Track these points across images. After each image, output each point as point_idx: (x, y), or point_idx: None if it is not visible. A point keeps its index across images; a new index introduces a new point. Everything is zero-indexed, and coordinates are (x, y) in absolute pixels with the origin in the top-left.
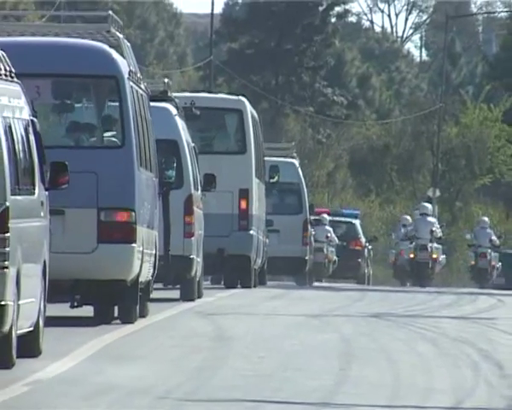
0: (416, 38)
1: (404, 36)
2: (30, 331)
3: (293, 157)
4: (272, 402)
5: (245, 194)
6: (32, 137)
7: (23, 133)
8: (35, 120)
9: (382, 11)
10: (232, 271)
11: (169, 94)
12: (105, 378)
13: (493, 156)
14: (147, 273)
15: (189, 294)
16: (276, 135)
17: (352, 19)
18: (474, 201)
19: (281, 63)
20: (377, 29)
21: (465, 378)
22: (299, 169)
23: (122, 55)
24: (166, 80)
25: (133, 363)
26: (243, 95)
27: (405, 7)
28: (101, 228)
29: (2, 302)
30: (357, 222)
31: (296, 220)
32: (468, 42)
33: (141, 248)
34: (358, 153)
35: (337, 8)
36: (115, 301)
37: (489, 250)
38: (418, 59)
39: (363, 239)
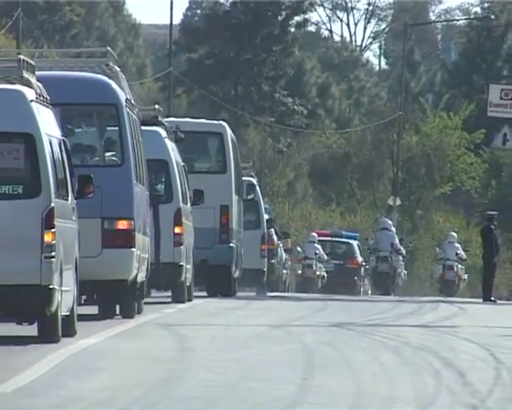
0: (375, 46)
1: (363, 45)
2: (67, 315)
3: (251, 176)
4: None
5: (225, 210)
6: (64, 153)
7: (58, 149)
8: (66, 139)
9: (341, 20)
10: (214, 280)
11: (159, 119)
12: (67, 391)
13: (453, 164)
14: (142, 275)
15: (179, 297)
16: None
17: (312, 28)
18: (434, 209)
19: (240, 73)
20: (336, 38)
21: (427, 387)
22: (257, 187)
23: (119, 85)
24: (157, 107)
25: (95, 375)
26: (224, 120)
27: (364, 16)
28: (104, 235)
29: (51, 286)
30: (354, 243)
31: (254, 235)
32: (428, 50)
33: (138, 252)
34: (319, 162)
35: (296, 18)
36: (117, 299)
37: (456, 263)
38: (377, 68)
39: (359, 259)
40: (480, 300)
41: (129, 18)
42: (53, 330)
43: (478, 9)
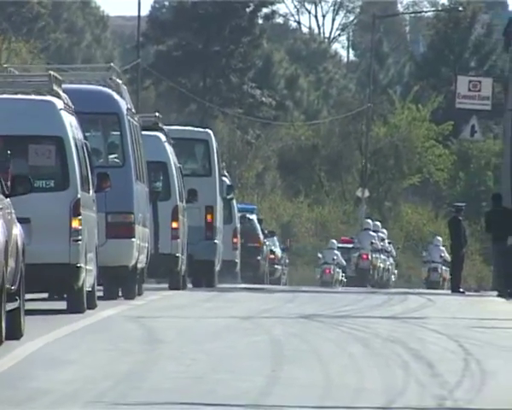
0: (344, 38)
1: (332, 36)
2: (89, 291)
3: (225, 176)
4: (204, 405)
5: (210, 210)
6: (86, 154)
7: (82, 150)
8: (87, 142)
9: (309, 12)
10: (199, 273)
11: (159, 125)
12: (36, 383)
13: (422, 156)
14: (142, 262)
15: (175, 285)
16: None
17: (280, 20)
18: (402, 200)
19: (208, 65)
20: (304, 30)
21: (396, 378)
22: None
23: (121, 96)
24: (157, 114)
25: (64, 367)
26: (209, 128)
27: (332, 8)
28: (108, 227)
29: (78, 264)
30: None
31: (227, 229)
32: (396, 42)
33: (138, 242)
34: (287, 154)
35: (264, 10)
36: (120, 282)
37: (440, 265)
38: (346, 59)
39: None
40: (449, 291)
41: (97, 10)
42: (79, 302)
43: (445, 1)
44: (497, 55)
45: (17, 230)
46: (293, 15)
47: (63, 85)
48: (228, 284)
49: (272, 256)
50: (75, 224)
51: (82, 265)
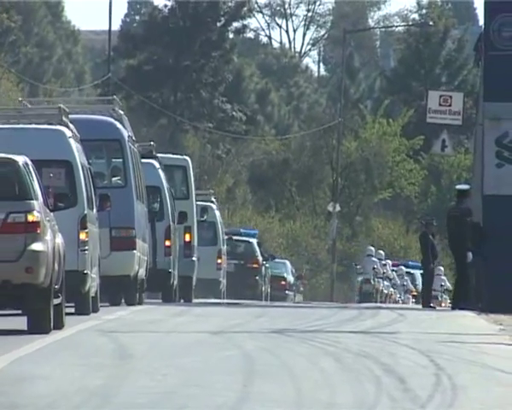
0: (315, 53)
1: (303, 51)
2: (93, 297)
3: (212, 201)
4: None
5: (189, 230)
6: (90, 177)
7: (87, 174)
8: (91, 167)
9: (280, 27)
10: (179, 288)
11: (153, 153)
12: (7, 398)
13: (393, 170)
14: (142, 273)
15: (168, 298)
16: (174, 151)
17: (250, 34)
18: (374, 215)
19: (179, 79)
20: (275, 45)
21: (367, 393)
22: (216, 211)
23: (123, 125)
24: (152, 143)
25: (34, 382)
26: (185, 156)
27: (303, 22)
28: (112, 241)
29: (85, 271)
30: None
31: (212, 250)
32: (366, 57)
33: (139, 254)
34: (258, 168)
35: (235, 24)
36: (122, 290)
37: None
38: (316, 74)
39: (260, 258)
40: (420, 306)
41: (68, 24)
42: (86, 305)
43: (416, 16)
44: (468, 70)
45: (60, 239)
46: (263, 30)
47: (73, 116)
48: (207, 300)
49: (283, 283)
50: (82, 236)
51: (88, 272)
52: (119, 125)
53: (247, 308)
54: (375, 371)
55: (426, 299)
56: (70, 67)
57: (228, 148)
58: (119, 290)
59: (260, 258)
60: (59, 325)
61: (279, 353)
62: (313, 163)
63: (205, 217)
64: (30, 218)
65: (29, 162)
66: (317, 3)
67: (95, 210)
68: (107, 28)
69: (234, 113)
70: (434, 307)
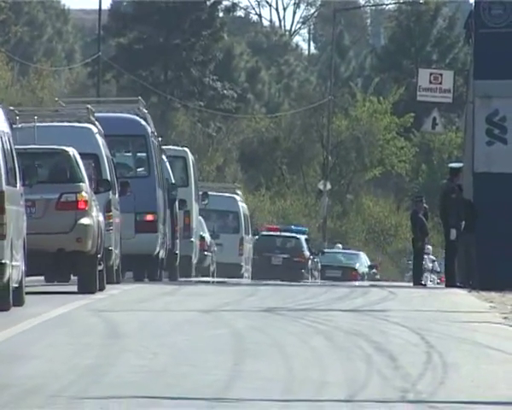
0: (305, 31)
1: (293, 29)
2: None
3: (236, 193)
4: (167, 398)
5: (187, 214)
6: (112, 166)
7: (111, 163)
8: (113, 158)
9: (270, 5)
10: (180, 267)
11: (161, 147)
12: None
13: (383, 148)
14: (163, 252)
15: (174, 277)
16: (165, 130)
17: (240, 13)
18: (364, 193)
19: (169, 58)
20: (265, 23)
21: (359, 371)
22: (239, 202)
23: (147, 122)
24: (160, 139)
25: (25, 362)
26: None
27: (293, 1)
28: (137, 224)
29: (110, 248)
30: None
31: (234, 238)
32: (357, 35)
33: (160, 236)
34: (248, 147)
35: (225, 3)
36: (146, 267)
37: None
38: (307, 52)
39: (306, 253)
40: (411, 284)
41: (57, 4)
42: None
43: None
44: (458, 47)
45: (101, 217)
46: (253, 8)
47: (103, 114)
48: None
49: (354, 273)
50: (107, 218)
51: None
52: (143, 122)
53: (237, 287)
54: (365, 350)
55: (416, 277)
56: (60, 47)
57: (218, 126)
58: (143, 268)
59: (307, 253)
60: (102, 287)
61: (270, 331)
62: (304, 141)
63: (206, 201)
64: (79, 197)
65: (76, 153)
66: None
67: (117, 195)
68: (97, 7)
69: (224, 91)
70: (425, 285)
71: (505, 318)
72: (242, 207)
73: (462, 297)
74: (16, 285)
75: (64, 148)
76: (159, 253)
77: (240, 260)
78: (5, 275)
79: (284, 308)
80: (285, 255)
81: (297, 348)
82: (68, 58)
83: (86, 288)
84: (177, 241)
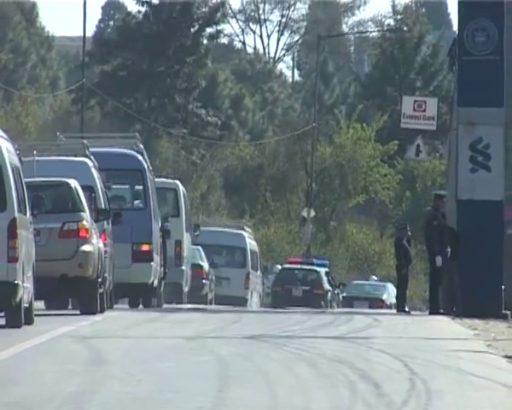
0: (289, 58)
1: (277, 56)
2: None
3: (244, 230)
4: None
5: (179, 243)
6: (107, 198)
7: (105, 195)
8: (107, 191)
9: (254, 32)
10: (169, 294)
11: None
12: None
13: (367, 175)
14: (157, 281)
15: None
16: (149, 157)
17: (224, 40)
18: (348, 220)
19: (153, 85)
20: (249, 50)
21: (343, 398)
22: (246, 239)
23: (143, 157)
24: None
25: (9, 388)
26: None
27: (277, 28)
28: (133, 254)
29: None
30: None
31: (241, 272)
32: (341, 62)
33: (155, 266)
34: (232, 174)
35: (209, 30)
36: (141, 295)
37: None
38: (291, 79)
39: (326, 285)
40: (394, 311)
41: (42, 30)
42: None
43: (391, 21)
44: (442, 75)
45: (101, 244)
46: (238, 35)
47: (103, 149)
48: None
49: (381, 304)
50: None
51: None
52: (140, 157)
53: (221, 314)
54: (349, 377)
55: (400, 304)
56: (44, 73)
57: (202, 153)
58: (138, 295)
59: (326, 285)
60: (102, 309)
61: (254, 358)
62: (288, 168)
63: (197, 232)
64: (80, 226)
65: (77, 185)
66: (291, 9)
67: (110, 224)
68: (81, 34)
69: (208, 118)
70: (409, 312)
71: (489, 345)
72: (250, 243)
73: (445, 324)
74: (27, 305)
75: (66, 180)
76: (153, 281)
77: (245, 293)
78: (18, 295)
79: (268, 335)
80: (305, 287)
81: (281, 375)
82: (52, 85)
83: (88, 310)
84: (166, 269)
